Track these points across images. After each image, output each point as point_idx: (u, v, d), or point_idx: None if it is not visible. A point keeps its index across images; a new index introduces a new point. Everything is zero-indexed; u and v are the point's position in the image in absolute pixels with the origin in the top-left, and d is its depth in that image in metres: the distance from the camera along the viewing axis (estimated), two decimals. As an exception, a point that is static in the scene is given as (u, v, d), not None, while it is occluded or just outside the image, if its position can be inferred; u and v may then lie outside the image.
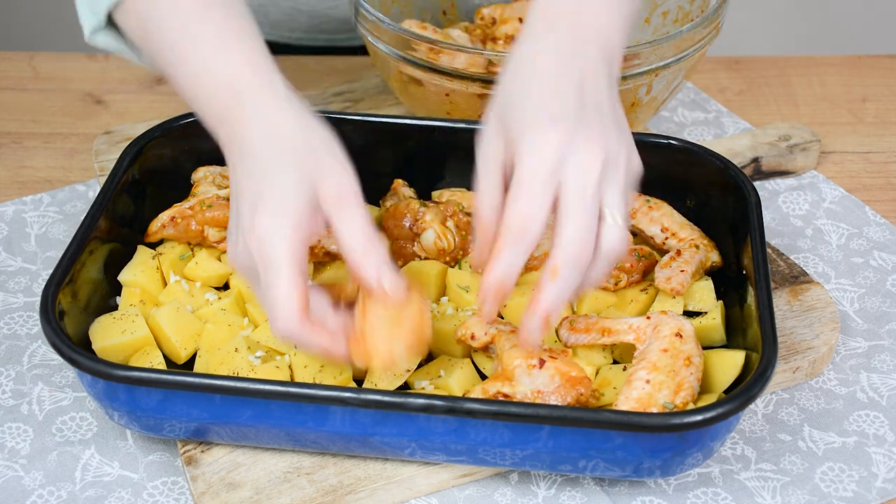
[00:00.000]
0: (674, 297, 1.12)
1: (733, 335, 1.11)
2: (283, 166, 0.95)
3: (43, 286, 1.09)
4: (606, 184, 0.94)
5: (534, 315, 0.95)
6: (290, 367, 1.07)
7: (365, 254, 0.95)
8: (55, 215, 1.37)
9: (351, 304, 1.01)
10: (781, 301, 1.19)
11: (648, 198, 1.20)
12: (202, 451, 1.04)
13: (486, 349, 1.09)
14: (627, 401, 0.99)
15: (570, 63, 0.97)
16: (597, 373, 1.08)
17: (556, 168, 0.93)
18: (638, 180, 1.00)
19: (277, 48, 1.71)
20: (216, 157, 1.25)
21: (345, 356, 0.99)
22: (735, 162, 1.39)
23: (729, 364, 1.04)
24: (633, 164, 0.98)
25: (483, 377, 1.09)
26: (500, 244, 0.94)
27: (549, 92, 0.96)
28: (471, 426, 0.95)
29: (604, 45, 0.99)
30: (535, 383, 0.99)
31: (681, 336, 1.03)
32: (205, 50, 1.00)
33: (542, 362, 1.00)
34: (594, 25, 1.00)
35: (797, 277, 1.22)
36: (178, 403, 0.98)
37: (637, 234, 1.21)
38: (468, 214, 1.20)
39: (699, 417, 0.92)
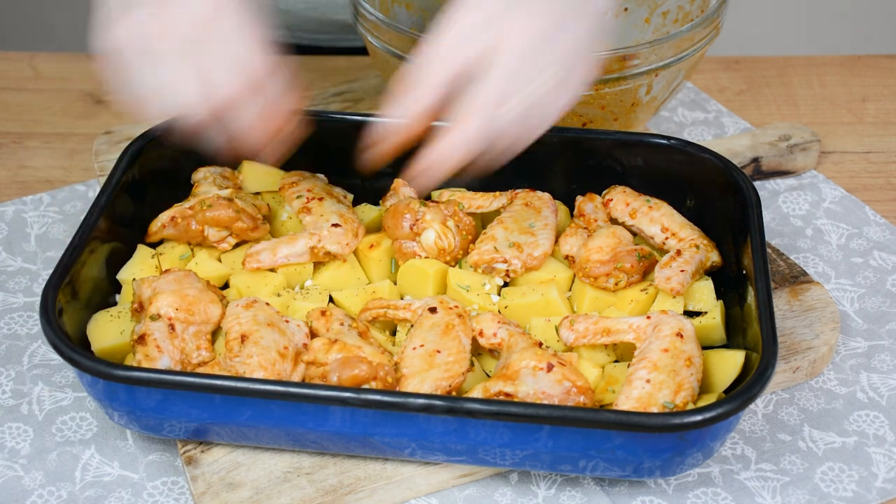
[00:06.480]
0: (674, 297, 1.11)
1: (733, 335, 1.11)
2: None
3: (43, 286, 1.09)
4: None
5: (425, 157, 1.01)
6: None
7: None
8: (55, 215, 1.37)
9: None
10: (781, 301, 1.18)
11: (648, 198, 1.20)
12: (202, 451, 1.04)
13: (491, 351, 1.09)
14: (628, 400, 0.99)
15: None
16: (602, 371, 1.08)
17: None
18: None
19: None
20: (216, 157, 1.26)
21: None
22: (735, 162, 1.39)
23: (729, 364, 1.04)
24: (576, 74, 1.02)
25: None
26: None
27: None
28: (471, 426, 0.95)
29: None
30: (539, 385, 0.98)
31: (682, 336, 1.03)
32: None
33: (550, 367, 1.00)
34: None
35: (797, 277, 1.22)
36: (177, 403, 0.98)
37: (637, 234, 1.21)
38: (468, 214, 1.20)
39: (699, 417, 0.92)
